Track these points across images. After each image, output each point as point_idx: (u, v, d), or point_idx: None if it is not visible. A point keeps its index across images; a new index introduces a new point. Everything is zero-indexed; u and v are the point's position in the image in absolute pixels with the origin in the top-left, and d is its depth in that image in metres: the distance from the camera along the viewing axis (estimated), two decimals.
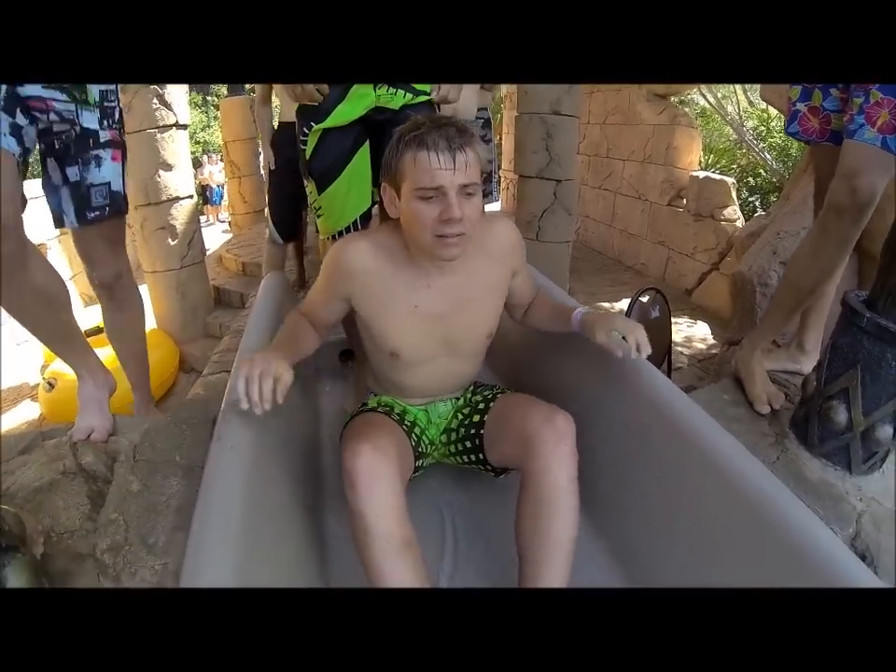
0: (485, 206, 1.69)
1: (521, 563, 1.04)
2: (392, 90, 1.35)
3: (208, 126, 13.55)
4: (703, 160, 5.52)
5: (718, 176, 4.57)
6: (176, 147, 3.48)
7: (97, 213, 1.25)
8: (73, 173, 1.19)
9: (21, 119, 1.03)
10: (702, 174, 4.71)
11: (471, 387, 1.36)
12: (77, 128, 1.16)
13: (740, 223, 4.49)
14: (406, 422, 1.21)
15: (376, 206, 1.52)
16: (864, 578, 0.75)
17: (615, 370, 1.20)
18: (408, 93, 1.36)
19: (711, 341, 3.91)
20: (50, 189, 1.21)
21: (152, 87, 3.29)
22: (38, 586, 0.67)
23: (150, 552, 0.83)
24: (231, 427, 0.93)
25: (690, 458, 1.02)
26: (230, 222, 7.12)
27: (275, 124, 2.89)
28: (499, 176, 8.10)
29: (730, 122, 5.91)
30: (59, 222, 1.25)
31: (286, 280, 1.99)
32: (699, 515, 0.99)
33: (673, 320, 3.90)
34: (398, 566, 0.92)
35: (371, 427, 1.09)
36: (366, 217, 1.49)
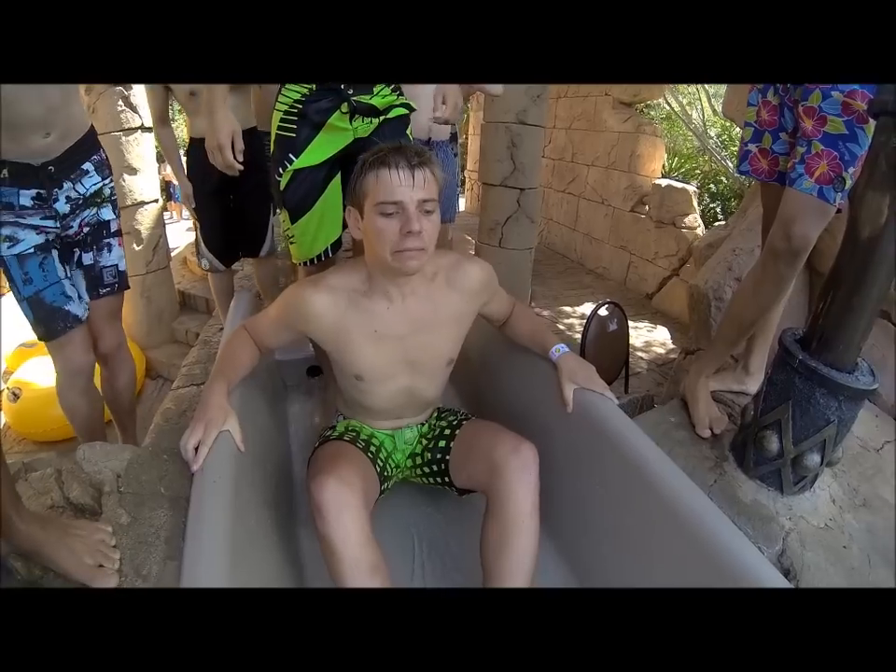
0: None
1: (485, 579, 1.11)
2: (367, 119, 1.39)
3: (172, 120, 13.21)
4: (667, 163, 5.68)
5: (680, 185, 4.73)
6: (142, 151, 3.43)
7: (108, 289, 1.49)
8: (88, 258, 1.42)
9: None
10: (664, 181, 4.86)
11: (436, 413, 1.41)
12: (95, 221, 1.43)
13: (701, 231, 4.66)
14: (371, 448, 1.26)
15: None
16: (772, 578, 0.86)
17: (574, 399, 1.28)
18: (382, 117, 1.41)
19: (670, 345, 4.04)
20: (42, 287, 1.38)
21: (118, 88, 3.23)
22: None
23: (145, 581, 0.88)
24: (210, 461, 1.00)
25: (634, 481, 1.12)
26: (194, 220, 6.98)
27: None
28: (464, 177, 8.18)
29: (693, 130, 6.09)
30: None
31: (253, 298, 2.03)
32: (642, 530, 1.10)
33: (633, 324, 4.04)
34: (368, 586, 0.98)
35: (337, 458, 1.13)
36: (336, 246, 1.55)
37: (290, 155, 1.37)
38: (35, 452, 3.00)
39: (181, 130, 7.97)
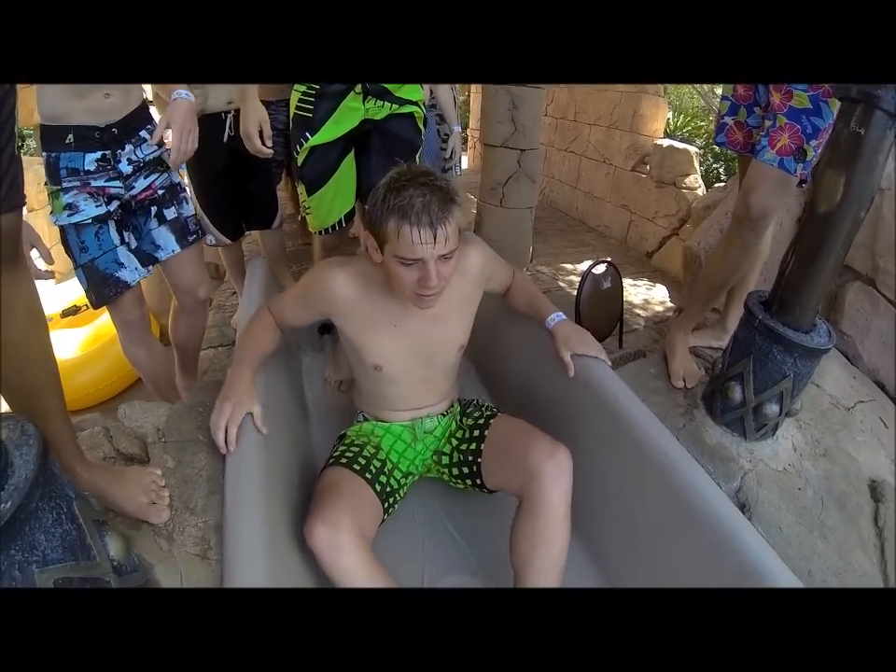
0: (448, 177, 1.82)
1: (517, 579, 1.14)
2: (380, 102, 1.48)
3: None
4: (672, 122, 5.62)
5: (681, 145, 4.73)
6: None
7: (194, 236, 1.64)
8: (171, 213, 1.57)
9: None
10: (666, 141, 4.87)
11: (458, 407, 1.43)
12: (168, 183, 1.56)
13: (701, 191, 4.68)
14: (374, 465, 1.24)
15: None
16: (752, 538, 1.01)
17: (595, 395, 1.34)
18: (393, 104, 1.50)
19: (668, 303, 4.11)
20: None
21: None
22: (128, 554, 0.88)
23: (193, 513, 1.04)
24: (241, 443, 1.09)
25: (625, 440, 1.23)
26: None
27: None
28: (466, 135, 8.13)
29: (698, 90, 6.02)
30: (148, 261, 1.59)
31: (267, 265, 2.16)
32: (630, 487, 1.24)
33: (632, 282, 4.12)
34: None
35: (330, 494, 1.11)
36: (350, 216, 1.66)
37: (307, 133, 1.47)
38: (74, 416, 3.16)
39: None
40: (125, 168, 1.42)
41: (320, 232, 1.67)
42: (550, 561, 1.10)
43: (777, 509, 1.24)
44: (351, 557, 1.01)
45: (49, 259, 1.39)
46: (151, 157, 1.48)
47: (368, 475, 1.20)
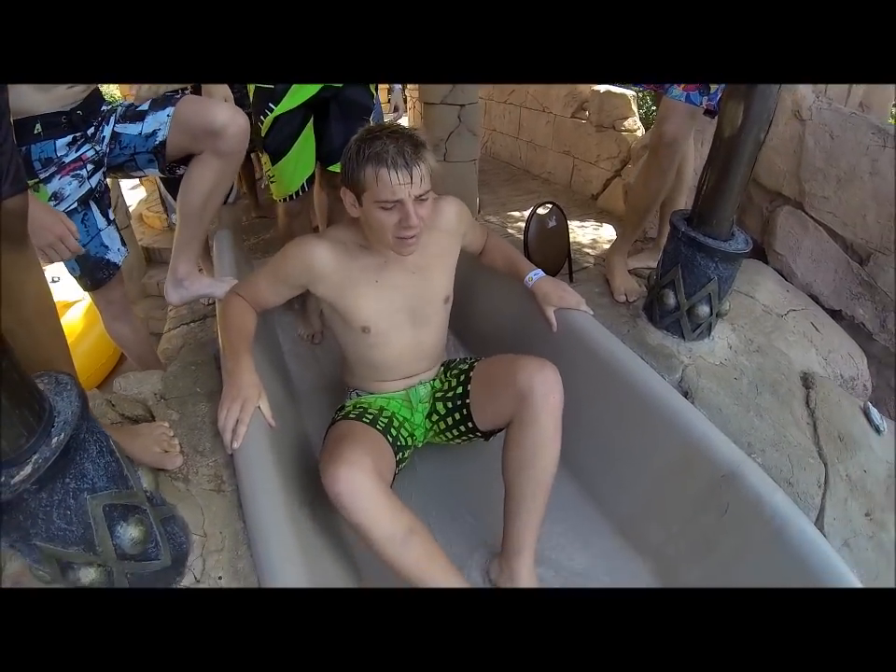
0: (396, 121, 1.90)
1: (507, 496, 1.19)
2: None
3: None
4: None
5: (618, 90, 4.82)
6: None
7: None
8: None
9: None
10: (603, 87, 4.97)
11: (443, 368, 1.46)
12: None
13: (640, 133, 4.84)
14: (382, 419, 1.25)
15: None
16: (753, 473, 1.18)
17: (579, 338, 1.47)
18: None
19: None
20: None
21: None
22: (158, 488, 0.98)
23: (203, 455, 1.16)
24: (249, 439, 1.09)
25: (612, 382, 1.37)
26: (139, 179, 6.80)
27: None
28: (406, 96, 8.07)
29: None
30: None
31: (232, 236, 2.22)
32: (617, 424, 1.39)
33: (580, 224, 4.27)
34: (409, 555, 1.00)
35: (342, 441, 1.12)
36: (310, 181, 1.75)
37: (270, 104, 1.55)
38: None
39: None
40: (94, 133, 1.39)
41: (285, 199, 1.75)
42: (540, 474, 1.14)
43: (716, 394, 1.42)
44: (373, 499, 0.99)
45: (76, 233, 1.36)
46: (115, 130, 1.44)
47: (379, 426, 1.22)
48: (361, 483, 0.99)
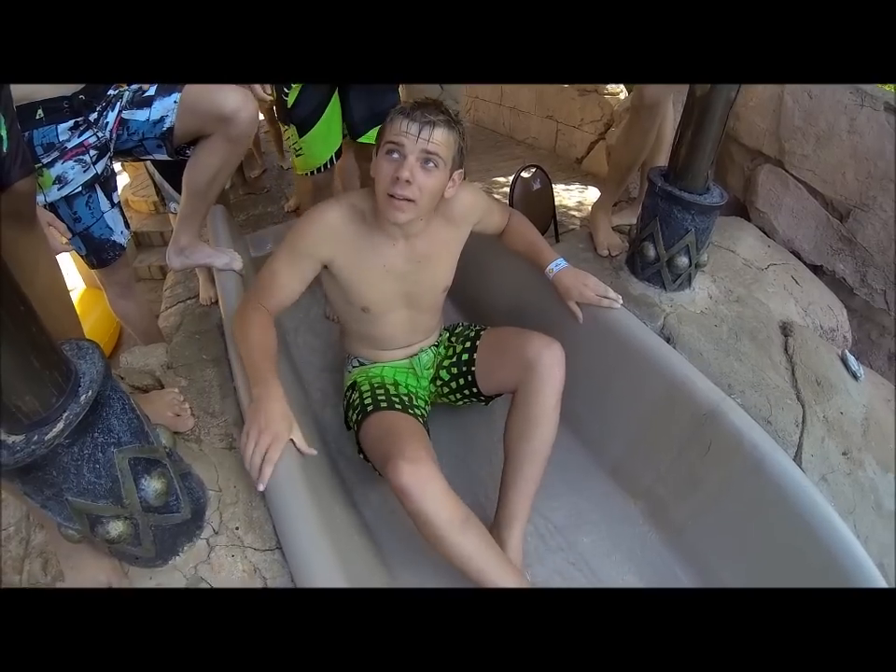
0: None
1: (506, 463, 1.24)
2: None
3: None
4: None
5: None
6: None
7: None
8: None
9: None
10: None
11: (445, 334, 1.48)
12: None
13: (623, 95, 4.84)
14: (402, 399, 1.27)
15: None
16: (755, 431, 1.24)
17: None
18: None
19: None
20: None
21: None
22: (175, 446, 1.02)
23: (213, 416, 1.23)
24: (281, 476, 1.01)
25: (639, 369, 1.40)
26: (122, 163, 6.68)
27: None
28: None
29: None
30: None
31: (226, 211, 2.23)
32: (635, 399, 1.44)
33: (566, 187, 4.31)
34: (466, 539, 1.06)
35: (394, 436, 1.14)
36: (338, 154, 1.72)
37: None
38: None
39: None
40: (96, 119, 1.37)
41: (311, 173, 1.71)
42: (539, 444, 1.19)
43: (697, 340, 1.48)
44: (434, 490, 1.04)
45: (65, 232, 1.33)
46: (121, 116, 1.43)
47: (410, 411, 1.25)
48: (424, 476, 1.04)
